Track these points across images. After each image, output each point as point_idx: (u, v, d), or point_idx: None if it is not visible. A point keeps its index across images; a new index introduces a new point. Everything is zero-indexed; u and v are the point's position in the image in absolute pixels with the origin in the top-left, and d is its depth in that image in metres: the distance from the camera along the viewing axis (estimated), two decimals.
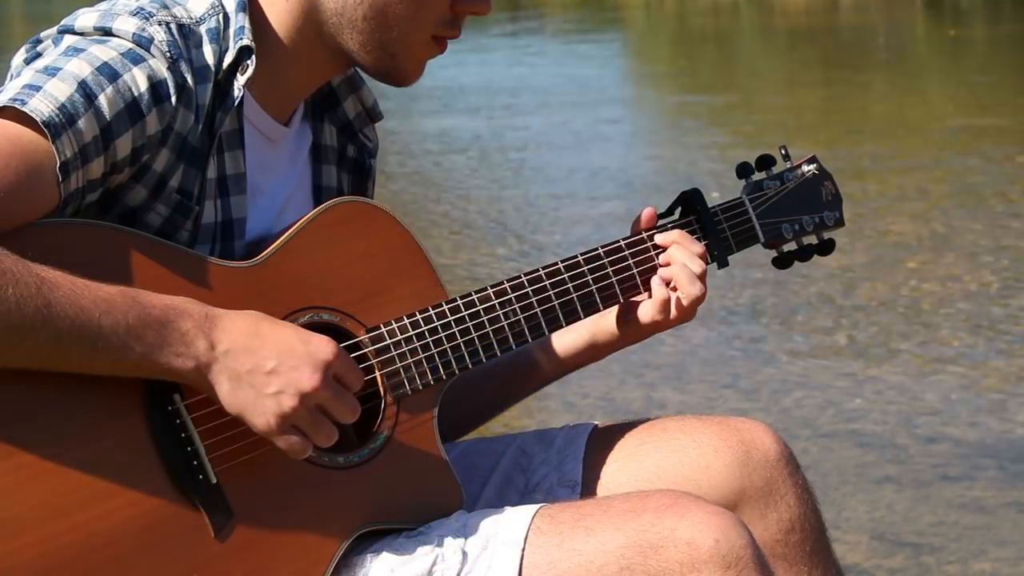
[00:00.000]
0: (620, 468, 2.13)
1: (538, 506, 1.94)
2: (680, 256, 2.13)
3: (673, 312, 2.13)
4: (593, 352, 2.22)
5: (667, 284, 2.13)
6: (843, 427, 4.75)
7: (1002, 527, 3.97)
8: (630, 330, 2.17)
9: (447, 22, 1.99)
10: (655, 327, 2.15)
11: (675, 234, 2.15)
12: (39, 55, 1.89)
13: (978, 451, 4.51)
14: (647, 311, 2.13)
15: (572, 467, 2.14)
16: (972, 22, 19.59)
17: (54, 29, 1.90)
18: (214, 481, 1.82)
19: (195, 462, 1.81)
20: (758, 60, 16.92)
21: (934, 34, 18.68)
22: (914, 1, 21.91)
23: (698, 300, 2.12)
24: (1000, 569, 3.74)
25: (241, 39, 1.90)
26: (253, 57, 1.90)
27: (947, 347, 5.51)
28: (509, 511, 1.94)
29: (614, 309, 2.16)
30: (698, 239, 2.18)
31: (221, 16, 1.92)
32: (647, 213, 2.18)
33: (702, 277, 2.12)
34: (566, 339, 2.21)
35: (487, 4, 2.01)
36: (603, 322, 2.18)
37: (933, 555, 3.82)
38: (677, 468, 2.09)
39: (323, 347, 1.83)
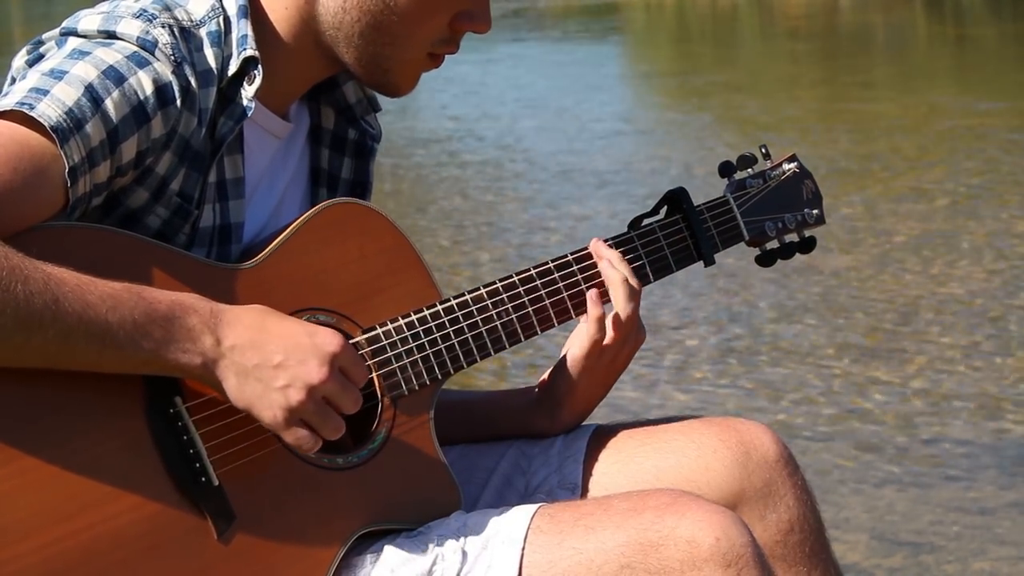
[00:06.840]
0: (620, 470, 2.13)
1: (538, 505, 1.94)
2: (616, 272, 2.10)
3: (610, 332, 2.09)
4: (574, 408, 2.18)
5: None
6: (843, 427, 4.75)
7: (1001, 527, 3.97)
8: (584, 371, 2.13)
9: (445, 40, 1.98)
10: (596, 355, 2.11)
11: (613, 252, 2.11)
12: (42, 57, 1.88)
13: (978, 451, 4.51)
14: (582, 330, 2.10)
15: (572, 469, 2.14)
16: (972, 22, 19.58)
17: (56, 31, 1.90)
18: (216, 483, 1.82)
19: (197, 464, 1.82)
20: (758, 61, 16.91)
21: (934, 34, 18.67)
22: (914, 1, 21.90)
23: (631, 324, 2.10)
24: (999, 569, 3.75)
25: (245, 49, 1.90)
26: (260, 67, 1.91)
27: (947, 347, 5.51)
28: (509, 511, 1.95)
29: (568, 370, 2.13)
30: (685, 237, 2.19)
31: (222, 19, 1.91)
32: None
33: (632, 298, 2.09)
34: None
35: (488, 23, 1.99)
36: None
37: (932, 554, 3.83)
38: (676, 469, 2.10)
39: (329, 340, 1.84)
